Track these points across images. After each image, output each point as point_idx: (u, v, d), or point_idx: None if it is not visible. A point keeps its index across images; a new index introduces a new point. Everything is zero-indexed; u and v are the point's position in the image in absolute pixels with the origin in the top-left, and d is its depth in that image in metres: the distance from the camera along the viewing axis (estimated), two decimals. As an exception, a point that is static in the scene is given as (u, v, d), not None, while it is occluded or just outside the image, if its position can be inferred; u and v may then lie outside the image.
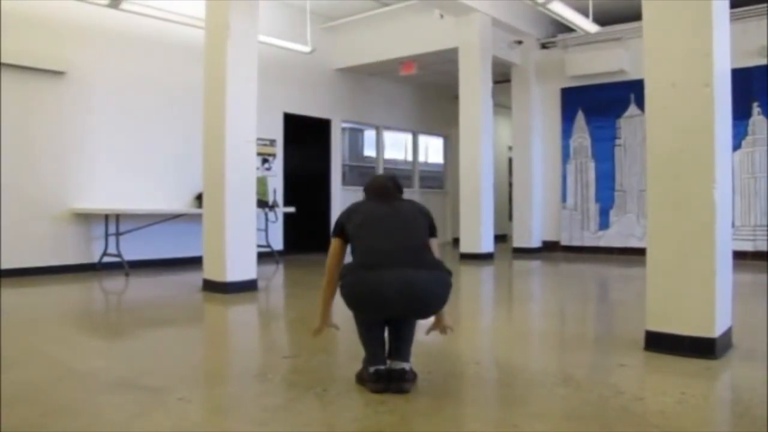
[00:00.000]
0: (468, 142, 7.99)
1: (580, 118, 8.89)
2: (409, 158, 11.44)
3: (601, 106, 8.65)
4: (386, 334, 2.45)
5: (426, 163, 11.87)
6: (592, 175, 8.82)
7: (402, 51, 8.87)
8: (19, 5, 6.05)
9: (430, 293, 2.32)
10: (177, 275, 6.46)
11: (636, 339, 3.13)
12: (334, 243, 2.55)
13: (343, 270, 2.41)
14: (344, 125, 9.99)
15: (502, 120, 12.06)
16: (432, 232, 2.55)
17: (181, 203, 7.38)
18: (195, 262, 6.07)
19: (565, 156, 9.05)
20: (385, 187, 2.61)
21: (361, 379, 2.42)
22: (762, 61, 7.37)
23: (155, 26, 7.04)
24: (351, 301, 2.35)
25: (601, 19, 7.43)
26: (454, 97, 8.64)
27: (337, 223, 2.56)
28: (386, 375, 2.35)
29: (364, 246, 2.41)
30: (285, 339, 3.78)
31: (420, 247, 2.41)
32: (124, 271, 6.39)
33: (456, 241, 9.31)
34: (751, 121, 7.54)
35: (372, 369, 2.36)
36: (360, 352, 2.48)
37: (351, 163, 10.43)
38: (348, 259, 2.50)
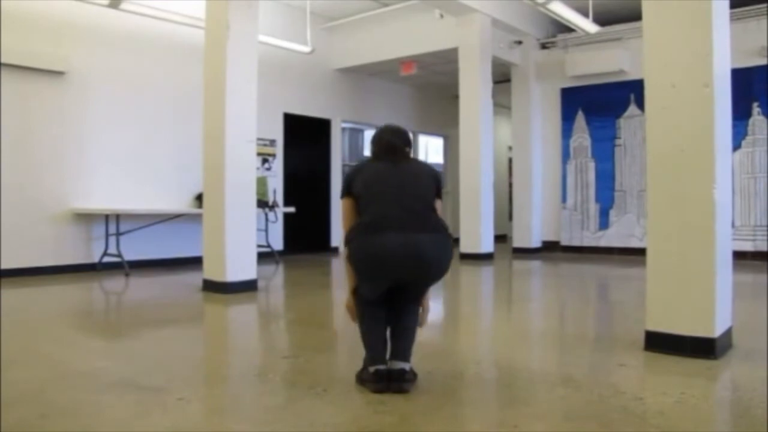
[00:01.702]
0: (468, 142, 7.99)
1: (580, 118, 8.89)
2: (409, 158, 11.41)
3: (601, 106, 8.64)
4: (388, 334, 2.45)
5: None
6: (592, 175, 8.82)
7: (402, 51, 8.87)
8: (19, 5, 6.05)
9: (433, 257, 2.32)
10: (177, 275, 6.46)
11: (636, 339, 3.13)
12: (346, 204, 2.49)
13: (349, 234, 2.40)
14: (344, 125, 9.99)
15: (502, 120, 12.06)
16: (438, 193, 2.51)
17: (181, 203, 7.38)
18: (195, 262, 6.07)
19: (565, 156, 9.05)
20: (391, 145, 2.53)
21: (361, 379, 2.42)
22: (762, 61, 7.37)
23: (155, 26, 7.04)
24: (357, 265, 2.35)
25: (601, 19, 7.43)
26: (454, 97, 8.64)
27: (345, 182, 2.51)
28: (386, 375, 2.34)
29: (369, 209, 2.38)
30: (285, 339, 3.78)
31: (425, 211, 2.40)
32: (125, 271, 6.39)
33: (456, 241, 9.31)
34: (751, 121, 7.54)
35: (372, 369, 2.35)
36: (360, 352, 2.48)
37: (351, 163, 10.42)
38: None
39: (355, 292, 2.48)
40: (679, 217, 2.93)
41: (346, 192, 2.49)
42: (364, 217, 2.39)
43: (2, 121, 5.98)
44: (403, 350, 2.42)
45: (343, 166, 9.97)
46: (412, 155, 2.62)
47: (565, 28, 8.01)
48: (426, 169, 2.55)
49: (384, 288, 2.38)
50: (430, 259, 2.32)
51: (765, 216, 7.46)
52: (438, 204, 2.50)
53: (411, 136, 2.65)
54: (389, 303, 2.46)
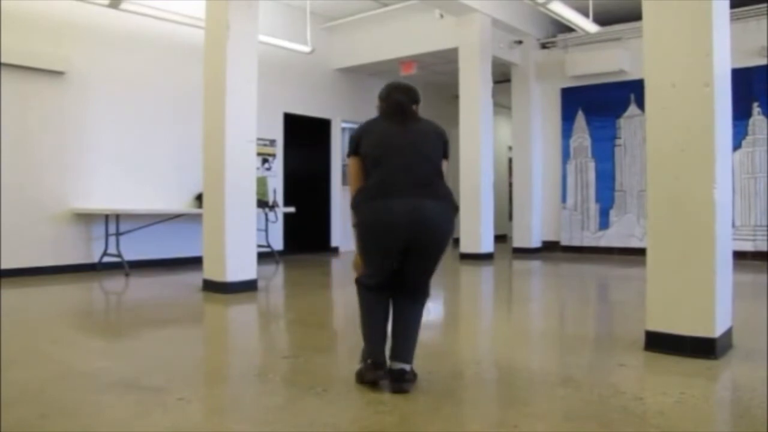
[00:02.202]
0: (468, 142, 7.98)
1: (580, 118, 8.89)
2: (409, 158, 11.40)
3: (601, 106, 8.64)
4: (388, 334, 2.45)
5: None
6: (592, 175, 8.81)
7: (402, 51, 8.87)
8: (19, 5, 6.05)
9: (438, 223, 2.33)
10: (177, 275, 6.46)
11: (636, 339, 3.13)
12: (353, 163, 2.47)
13: (355, 198, 2.40)
14: (344, 125, 9.98)
15: (502, 120, 12.05)
16: (445, 153, 2.51)
17: (181, 203, 7.37)
18: (195, 262, 6.07)
19: (565, 156, 9.04)
20: (399, 104, 2.52)
21: (361, 379, 2.42)
22: (762, 61, 7.36)
23: (155, 26, 7.03)
24: (363, 231, 2.36)
25: (601, 19, 7.42)
26: (454, 97, 8.63)
27: (353, 141, 2.49)
28: (383, 365, 2.36)
29: (376, 171, 2.38)
30: (285, 339, 3.78)
31: (431, 175, 2.40)
32: (124, 271, 6.39)
33: (456, 241, 9.31)
34: (751, 121, 7.54)
35: (369, 360, 2.37)
36: (360, 351, 2.47)
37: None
38: None
39: (358, 282, 2.48)
40: (679, 217, 2.93)
41: (354, 152, 2.48)
42: (371, 180, 2.38)
43: (2, 121, 5.98)
44: (404, 351, 2.41)
45: (343, 166, 9.96)
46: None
47: (565, 28, 8.01)
48: (433, 128, 2.55)
49: (389, 260, 2.37)
50: (435, 226, 2.33)
51: (765, 216, 7.45)
52: (444, 164, 2.50)
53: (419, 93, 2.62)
54: (391, 295, 2.45)
